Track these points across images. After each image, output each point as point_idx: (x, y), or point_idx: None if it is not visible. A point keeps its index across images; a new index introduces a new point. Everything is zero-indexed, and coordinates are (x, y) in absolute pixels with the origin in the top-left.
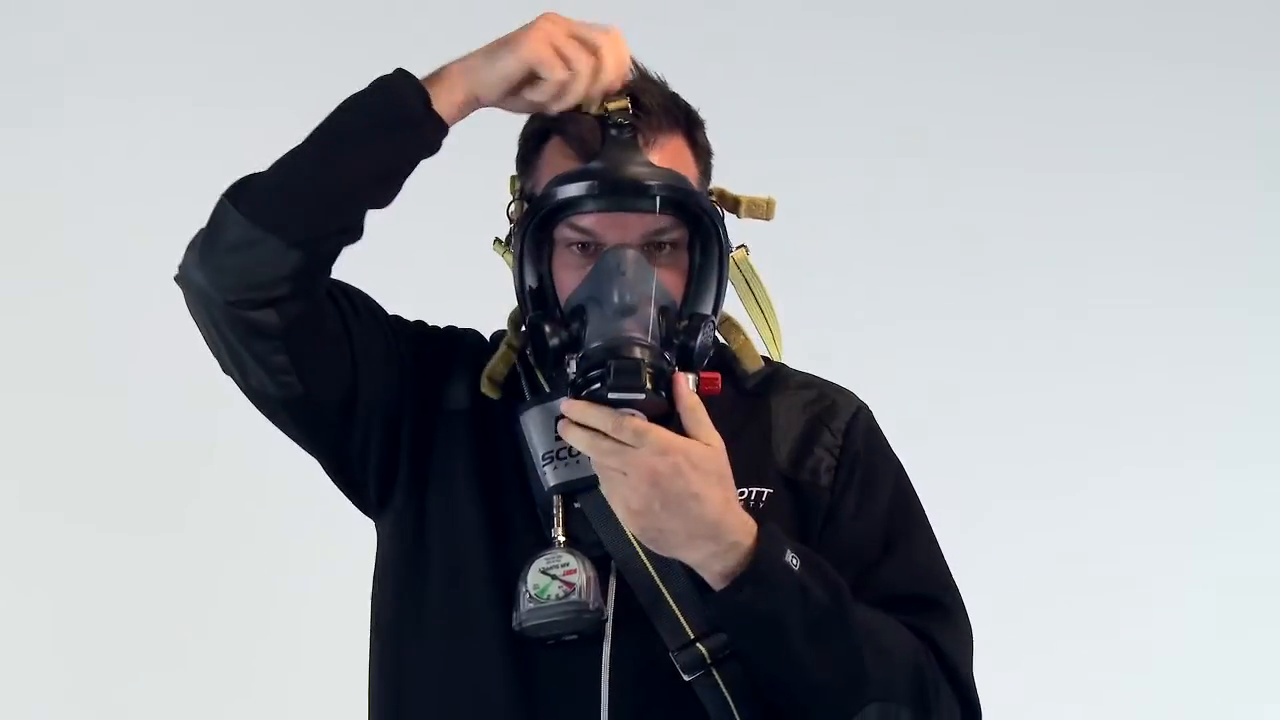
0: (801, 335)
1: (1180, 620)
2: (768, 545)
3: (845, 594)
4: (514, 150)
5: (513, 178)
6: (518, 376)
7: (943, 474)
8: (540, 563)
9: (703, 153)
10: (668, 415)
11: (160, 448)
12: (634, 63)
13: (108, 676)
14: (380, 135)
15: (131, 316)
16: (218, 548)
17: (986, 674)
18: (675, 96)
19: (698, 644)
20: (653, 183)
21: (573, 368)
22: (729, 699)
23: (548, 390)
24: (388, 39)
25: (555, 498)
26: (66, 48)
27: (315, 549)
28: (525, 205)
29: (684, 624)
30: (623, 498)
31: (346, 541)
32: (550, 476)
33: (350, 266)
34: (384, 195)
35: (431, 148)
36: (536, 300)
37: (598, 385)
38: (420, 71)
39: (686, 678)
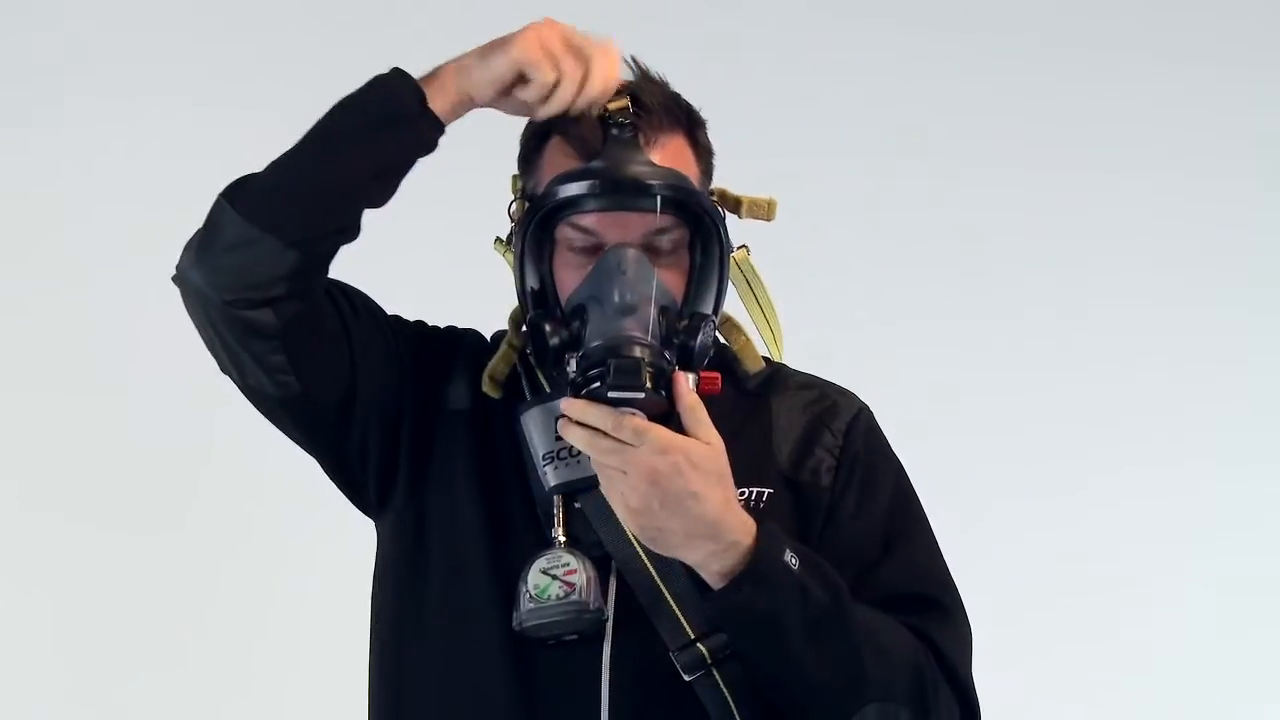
0: (802, 335)
1: (1180, 620)
2: (767, 545)
3: (845, 594)
4: (514, 149)
5: (514, 177)
6: (518, 376)
7: (943, 474)
8: (541, 563)
9: (704, 152)
10: (668, 414)
11: (160, 447)
12: (636, 62)
13: (108, 676)
14: (377, 134)
15: (131, 316)
16: (217, 547)
17: (986, 674)
18: (677, 96)
19: (698, 644)
20: (654, 182)
21: (573, 367)
22: (729, 699)
23: (548, 390)
24: (388, 39)
25: (556, 498)
26: (66, 48)
27: (314, 549)
28: (526, 204)
29: (684, 624)
30: (622, 496)
31: (346, 541)
32: (551, 476)
33: (352, 266)
34: (381, 194)
35: (428, 146)
36: (537, 299)
37: (598, 384)
38: (418, 71)
39: (687, 678)
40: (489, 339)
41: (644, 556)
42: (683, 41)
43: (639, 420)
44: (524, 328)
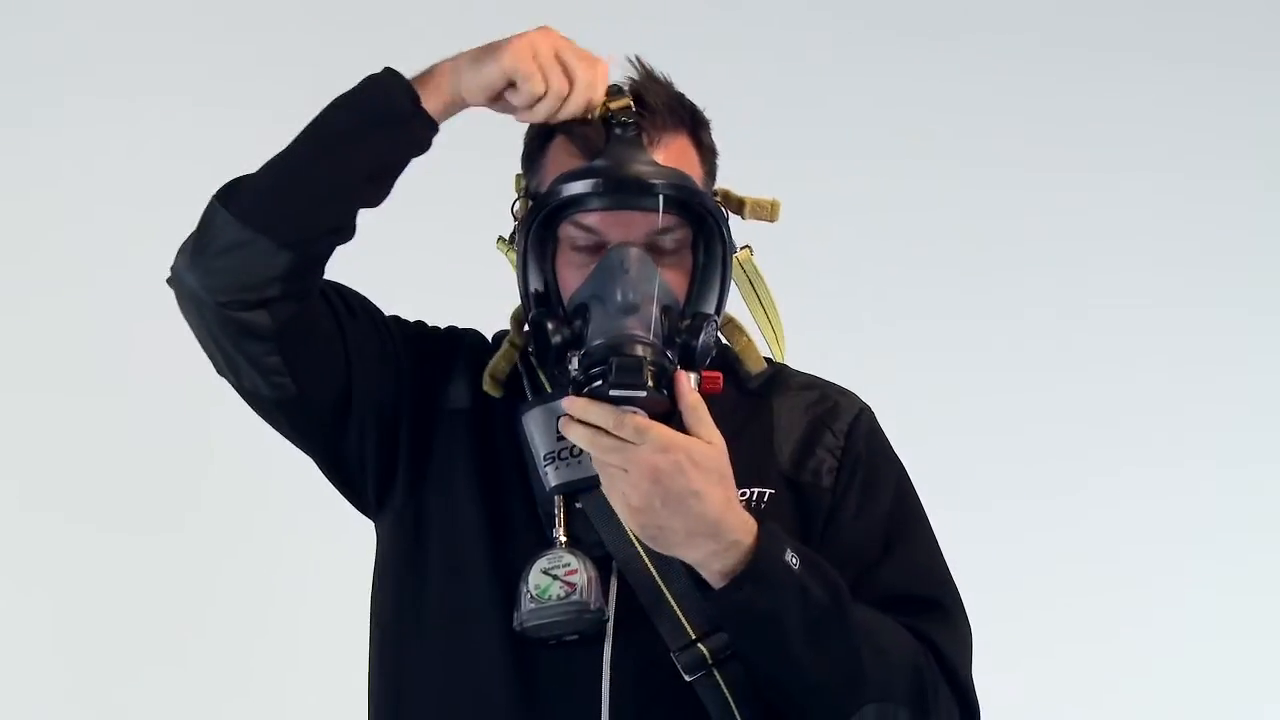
0: (803, 336)
1: (1180, 621)
2: (768, 544)
3: (845, 594)
4: (515, 149)
5: (518, 176)
6: (519, 376)
7: (943, 474)
8: (542, 563)
9: (707, 152)
10: (669, 413)
11: (160, 447)
12: (640, 62)
13: (108, 676)
14: (370, 134)
15: (131, 317)
16: (217, 547)
17: (986, 674)
18: (680, 96)
19: (699, 644)
20: (657, 181)
21: (575, 365)
22: (730, 699)
23: (549, 390)
24: (387, 39)
25: (557, 498)
26: (66, 48)
27: (314, 548)
28: (529, 203)
29: (685, 624)
30: (623, 495)
31: (346, 541)
32: (552, 476)
33: (352, 267)
34: (375, 194)
35: (421, 145)
36: (539, 298)
37: (599, 382)
38: (413, 71)
39: (688, 678)
40: (489, 339)
41: (645, 556)
42: (687, 42)
43: (641, 419)
44: (526, 326)
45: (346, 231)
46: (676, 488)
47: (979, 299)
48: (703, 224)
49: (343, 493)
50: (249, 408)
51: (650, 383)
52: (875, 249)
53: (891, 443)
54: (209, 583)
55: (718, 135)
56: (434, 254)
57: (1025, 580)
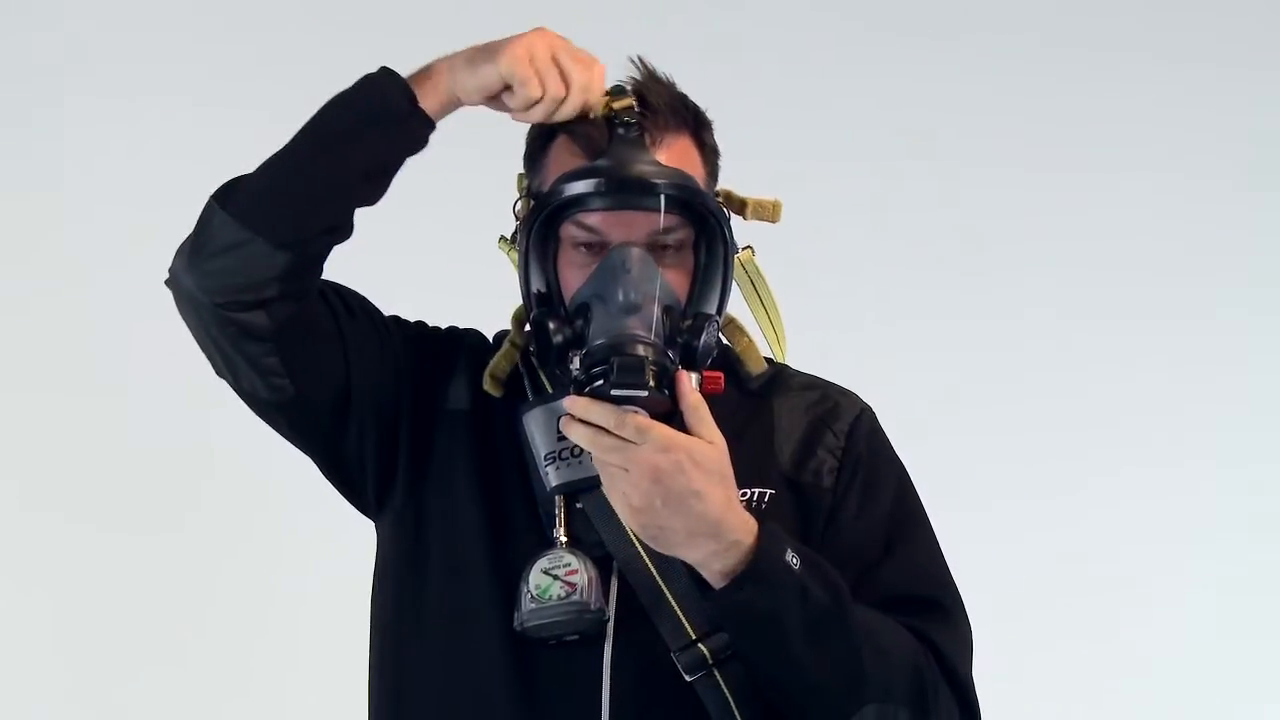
0: (804, 336)
1: (1180, 621)
2: (768, 544)
3: (845, 594)
4: (515, 148)
5: (520, 175)
6: (520, 376)
7: (943, 474)
8: (542, 563)
9: (710, 153)
10: (670, 413)
11: (160, 448)
12: (642, 62)
13: (108, 676)
14: (367, 133)
15: (131, 317)
16: (217, 547)
17: (986, 674)
18: (683, 96)
19: (699, 644)
20: (659, 181)
21: (576, 364)
22: (730, 699)
23: (550, 390)
24: (387, 39)
25: (557, 498)
26: (66, 48)
27: (314, 548)
28: (531, 203)
29: (686, 624)
30: (624, 494)
31: (346, 541)
32: (552, 477)
33: (353, 266)
34: (372, 193)
35: (418, 144)
36: (541, 298)
37: (601, 382)
38: (410, 70)
39: (688, 678)
40: (490, 339)
41: (645, 557)
42: (689, 42)
43: (641, 418)
44: (527, 326)
45: (344, 231)
46: (677, 488)
47: (979, 299)
48: (704, 224)
49: (343, 493)
50: (248, 408)
51: (652, 382)
52: (876, 249)
53: (892, 443)
54: (209, 583)
55: (719, 136)
56: (434, 254)
57: (1025, 580)
